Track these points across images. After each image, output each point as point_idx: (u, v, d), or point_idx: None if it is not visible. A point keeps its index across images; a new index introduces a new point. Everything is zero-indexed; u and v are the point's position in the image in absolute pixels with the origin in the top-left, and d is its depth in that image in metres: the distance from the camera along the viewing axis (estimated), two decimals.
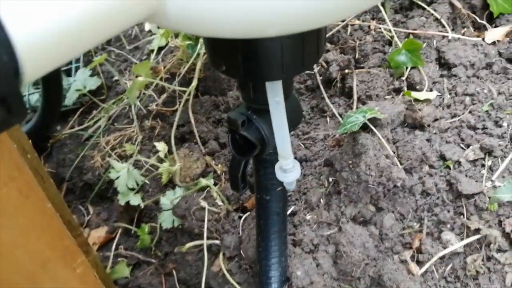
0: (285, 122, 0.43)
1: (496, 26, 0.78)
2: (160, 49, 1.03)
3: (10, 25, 0.18)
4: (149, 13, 0.25)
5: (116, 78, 1.04)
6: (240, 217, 0.72)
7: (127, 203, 0.83)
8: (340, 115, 0.77)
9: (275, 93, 0.41)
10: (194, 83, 0.84)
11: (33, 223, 0.38)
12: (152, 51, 1.02)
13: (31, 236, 0.38)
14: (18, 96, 0.20)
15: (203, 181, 0.73)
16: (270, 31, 0.28)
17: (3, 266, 0.36)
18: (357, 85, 0.76)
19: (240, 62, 0.36)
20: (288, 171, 0.48)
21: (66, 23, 0.21)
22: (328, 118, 0.79)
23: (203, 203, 0.72)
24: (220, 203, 0.73)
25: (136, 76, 0.86)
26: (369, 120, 0.65)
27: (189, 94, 0.86)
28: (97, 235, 0.91)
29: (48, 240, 0.40)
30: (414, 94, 0.69)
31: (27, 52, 0.19)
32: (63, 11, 0.20)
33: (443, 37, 0.78)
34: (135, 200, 0.82)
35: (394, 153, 0.66)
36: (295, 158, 0.71)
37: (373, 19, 0.86)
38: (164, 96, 0.92)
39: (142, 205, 0.83)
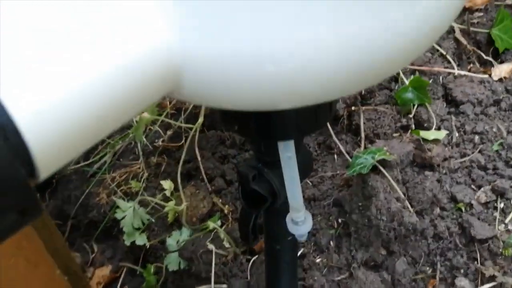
0: (296, 175, 0.43)
1: (502, 62, 0.78)
2: None
3: (29, 136, 0.17)
4: (165, 94, 0.25)
5: None
6: (248, 260, 0.71)
7: (132, 242, 0.82)
8: (348, 153, 0.76)
9: (287, 149, 0.40)
10: (200, 119, 0.84)
11: None
12: None
13: None
14: (33, 199, 0.20)
15: (211, 225, 0.72)
16: (284, 106, 0.28)
17: None
18: (364, 123, 0.76)
19: (253, 125, 0.35)
20: (299, 223, 0.47)
21: (82, 119, 0.20)
22: (335, 156, 0.78)
23: (210, 246, 0.71)
24: (227, 245, 0.72)
25: (142, 112, 0.86)
26: (378, 161, 0.65)
27: (195, 131, 0.85)
28: (102, 274, 0.90)
29: None
30: (423, 134, 0.69)
31: (42, 157, 0.19)
32: (78, 106, 0.20)
33: (449, 73, 0.78)
34: (141, 240, 0.81)
35: (404, 195, 0.65)
36: (304, 197, 0.71)
37: None
38: (170, 132, 0.92)
39: (147, 245, 0.81)
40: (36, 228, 0.38)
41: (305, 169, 0.49)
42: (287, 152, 0.41)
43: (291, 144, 0.40)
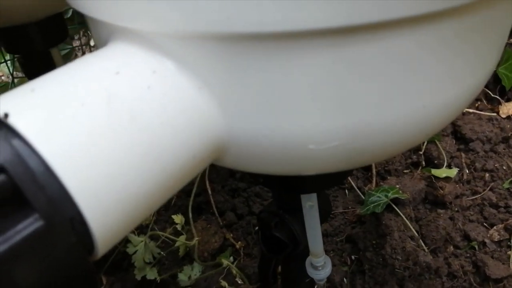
0: (318, 222, 0.44)
1: (508, 100, 0.79)
2: None
3: (96, 228, 0.18)
4: (210, 163, 0.26)
5: None
6: None
7: (143, 276, 0.81)
8: (359, 189, 0.77)
9: (309, 199, 0.41)
10: None
11: None
12: None
13: None
14: (92, 278, 0.20)
15: (224, 261, 0.72)
16: (315, 173, 0.29)
17: None
18: None
19: (278, 180, 0.36)
20: (319, 268, 0.47)
21: (140, 198, 0.21)
22: (346, 191, 0.79)
23: (224, 283, 0.70)
24: (240, 281, 0.72)
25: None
26: (391, 199, 0.65)
27: None
28: None
29: None
30: (434, 172, 0.70)
31: (103, 237, 0.20)
32: (138, 185, 0.21)
33: None
34: (152, 274, 0.81)
35: (418, 233, 0.65)
36: None
37: None
38: None
39: (158, 279, 0.81)
40: None
41: (325, 214, 0.49)
42: (309, 201, 0.42)
43: (313, 195, 0.41)
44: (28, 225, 0.16)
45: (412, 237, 0.64)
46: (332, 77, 0.21)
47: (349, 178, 0.79)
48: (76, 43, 0.98)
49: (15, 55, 0.63)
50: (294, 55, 0.20)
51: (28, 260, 0.16)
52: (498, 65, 0.81)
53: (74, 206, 0.17)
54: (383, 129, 0.23)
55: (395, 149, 0.26)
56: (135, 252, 0.80)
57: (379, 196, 0.65)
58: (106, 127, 0.19)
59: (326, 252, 0.72)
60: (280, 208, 0.46)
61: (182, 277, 0.76)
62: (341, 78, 0.21)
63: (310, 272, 0.48)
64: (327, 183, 0.37)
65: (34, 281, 0.16)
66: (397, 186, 0.67)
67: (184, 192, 0.90)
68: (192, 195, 0.85)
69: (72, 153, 0.18)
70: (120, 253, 0.90)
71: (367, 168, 0.79)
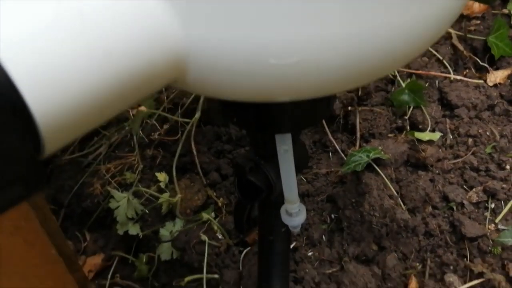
0: (292, 168, 0.44)
1: (497, 68, 0.79)
2: None
3: (34, 108, 0.18)
4: (170, 83, 0.25)
5: None
6: (240, 252, 0.71)
7: (125, 232, 0.82)
8: (343, 151, 0.77)
9: (283, 142, 0.41)
10: (197, 114, 0.84)
11: (37, 270, 0.38)
12: None
13: (34, 283, 0.37)
14: (39, 174, 0.20)
15: (204, 215, 0.73)
16: (283, 98, 0.29)
17: None
18: (360, 123, 0.77)
19: (252, 117, 0.36)
20: (294, 214, 0.48)
21: (88, 97, 0.21)
22: (330, 154, 0.79)
23: (204, 237, 0.71)
24: (220, 236, 0.72)
25: (139, 106, 0.86)
26: (372, 159, 0.66)
27: (192, 125, 0.86)
28: (93, 262, 0.90)
29: (51, 286, 0.40)
30: (418, 135, 0.70)
31: (50, 131, 0.19)
32: (86, 84, 0.20)
33: (445, 77, 0.79)
34: (134, 229, 0.81)
35: (397, 193, 0.66)
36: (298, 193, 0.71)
37: None
38: (166, 126, 0.92)
39: (140, 235, 0.82)
40: (33, 209, 0.38)
41: (301, 163, 0.49)
42: (283, 145, 0.42)
43: (288, 137, 0.41)
44: None
45: (391, 196, 0.64)
46: None
47: (333, 141, 0.79)
48: None
49: None
50: None
51: None
52: (488, 34, 0.80)
53: (15, 90, 0.17)
54: (347, 42, 0.23)
55: (360, 72, 0.26)
56: (117, 208, 0.80)
57: (360, 156, 0.65)
58: (54, 20, 0.19)
59: (307, 211, 0.73)
60: (256, 154, 0.46)
61: (164, 232, 0.77)
62: None
63: (285, 218, 0.48)
64: (301, 122, 0.37)
65: None
66: (380, 147, 0.68)
67: (170, 153, 0.90)
68: (177, 154, 0.85)
69: (17, 42, 0.18)
70: (103, 210, 0.90)
71: (351, 132, 0.79)
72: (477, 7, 0.86)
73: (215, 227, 0.73)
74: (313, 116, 0.37)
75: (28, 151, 0.18)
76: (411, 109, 0.76)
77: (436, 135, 0.70)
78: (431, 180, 0.68)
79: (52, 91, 0.19)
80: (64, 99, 0.19)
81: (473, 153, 0.69)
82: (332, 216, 0.70)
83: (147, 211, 0.83)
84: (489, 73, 0.78)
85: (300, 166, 0.50)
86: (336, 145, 0.78)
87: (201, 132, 0.89)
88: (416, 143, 0.70)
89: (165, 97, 0.93)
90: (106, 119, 0.23)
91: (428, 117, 0.74)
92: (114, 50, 0.21)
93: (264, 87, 0.26)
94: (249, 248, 0.71)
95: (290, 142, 0.41)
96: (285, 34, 0.22)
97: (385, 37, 0.24)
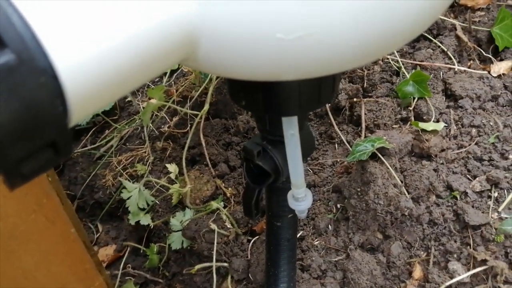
0: (299, 153, 0.45)
1: (501, 60, 0.80)
2: (172, 72, 1.06)
3: (64, 74, 0.20)
4: (183, 59, 0.27)
5: (129, 99, 1.07)
6: (249, 241, 0.73)
7: (137, 222, 0.84)
8: (348, 142, 0.79)
9: (290, 126, 0.43)
10: (206, 107, 0.86)
11: (57, 248, 0.40)
12: (165, 74, 1.05)
13: (54, 260, 0.40)
14: (67, 139, 0.22)
15: (214, 204, 0.74)
16: (290, 76, 0.30)
17: None
18: (365, 114, 0.78)
19: (260, 99, 0.38)
20: (300, 199, 0.49)
21: (112, 68, 0.22)
22: (336, 145, 0.81)
23: (213, 226, 0.73)
24: (229, 226, 0.74)
25: (149, 99, 0.89)
26: (377, 149, 0.67)
27: (200, 118, 0.88)
28: (106, 253, 0.92)
29: (70, 264, 0.42)
30: (422, 125, 0.71)
31: (77, 98, 0.21)
32: (108, 62, 0.22)
33: (450, 69, 0.80)
34: (145, 220, 0.84)
35: (402, 182, 0.67)
36: None
37: None
38: (176, 118, 0.94)
39: (151, 225, 0.84)
40: (54, 188, 0.40)
41: (307, 148, 0.51)
42: (290, 129, 0.43)
43: (294, 121, 0.43)
44: (0, 56, 0.17)
45: (395, 185, 0.66)
46: None
47: (339, 132, 0.81)
48: None
49: None
50: None
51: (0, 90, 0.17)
52: (493, 25, 0.81)
53: (46, 58, 0.19)
54: (348, 24, 0.24)
55: (368, 46, 0.27)
56: (129, 198, 0.82)
57: (365, 146, 0.67)
58: None
59: (314, 201, 0.75)
60: (264, 139, 0.48)
61: (174, 222, 0.79)
62: None
63: (291, 203, 0.50)
64: (307, 105, 0.39)
65: (4, 113, 0.18)
66: (384, 137, 0.69)
67: (179, 145, 0.93)
68: (186, 146, 0.87)
69: (48, 10, 0.19)
70: (115, 201, 0.93)
71: (357, 123, 0.80)
72: None
73: (224, 217, 0.74)
74: (318, 99, 0.39)
75: (59, 116, 0.20)
76: (415, 100, 0.77)
77: (440, 126, 0.72)
78: (435, 170, 0.69)
79: (79, 59, 0.21)
80: (90, 66, 0.21)
81: (476, 143, 0.70)
82: (338, 205, 0.71)
83: (157, 201, 0.86)
84: (493, 64, 0.79)
85: (307, 151, 0.51)
86: (342, 136, 0.80)
87: (209, 124, 0.91)
88: (420, 133, 0.71)
89: (175, 90, 0.95)
90: (126, 91, 0.25)
91: (432, 108, 0.75)
92: (134, 22, 0.22)
93: (271, 63, 0.28)
94: (257, 237, 0.73)
95: (296, 126, 0.42)
96: (294, 8, 0.24)
97: (395, 8, 0.26)
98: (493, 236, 0.62)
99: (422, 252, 0.65)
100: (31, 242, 0.36)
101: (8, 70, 0.17)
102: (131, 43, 0.23)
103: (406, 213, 0.64)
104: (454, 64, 0.81)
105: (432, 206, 0.66)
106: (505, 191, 0.65)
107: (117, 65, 0.23)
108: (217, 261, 0.71)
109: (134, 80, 0.25)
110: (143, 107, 0.98)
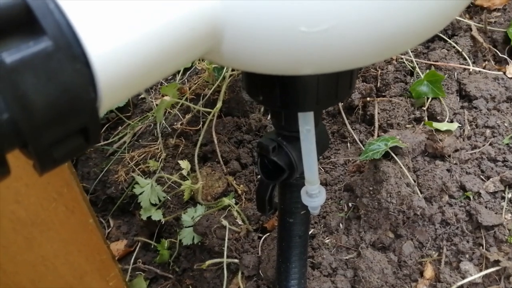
0: (314, 149, 0.45)
1: None
2: (185, 70, 1.07)
3: (96, 62, 0.20)
4: (206, 52, 0.28)
5: (142, 96, 1.08)
6: (259, 237, 0.73)
7: (148, 218, 0.85)
8: (361, 142, 0.79)
9: (306, 122, 0.43)
10: (219, 105, 0.87)
11: (75, 237, 0.40)
12: (178, 72, 1.06)
13: (72, 249, 0.40)
14: (97, 126, 0.22)
15: (225, 201, 0.75)
16: (308, 71, 0.31)
17: (44, 276, 0.38)
18: (378, 113, 0.78)
19: (277, 93, 0.38)
20: (314, 196, 0.50)
21: (141, 58, 0.23)
22: (348, 144, 0.81)
23: (224, 222, 0.74)
24: (240, 222, 0.75)
25: (163, 96, 0.89)
26: (390, 148, 0.67)
27: (213, 116, 0.88)
28: (117, 248, 0.93)
29: (87, 254, 0.42)
30: (435, 125, 0.71)
31: (107, 85, 0.22)
32: (142, 44, 0.23)
33: (464, 69, 0.80)
34: (157, 215, 0.84)
35: (414, 181, 0.67)
36: None
37: None
38: (188, 116, 0.95)
39: (163, 221, 0.85)
40: (74, 178, 0.41)
41: (322, 145, 0.51)
42: (306, 125, 0.44)
43: (310, 117, 0.43)
44: (38, 43, 0.18)
45: (408, 184, 0.66)
46: None
47: (351, 131, 0.81)
48: None
49: None
50: None
51: (35, 75, 0.18)
52: (509, 25, 0.81)
53: (80, 45, 0.20)
54: (367, 21, 0.25)
55: (388, 41, 0.28)
56: (141, 193, 0.83)
57: (378, 145, 0.67)
58: None
59: (325, 200, 0.75)
60: (279, 135, 0.48)
61: (186, 217, 0.79)
62: None
63: (305, 199, 0.50)
64: (323, 100, 0.39)
65: (41, 96, 0.18)
66: (398, 137, 0.69)
67: (192, 142, 0.93)
68: (198, 143, 0.87)
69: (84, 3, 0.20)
70: (127, 197, 0.94)
71: (370, 122, 0.80)
72: None
73: (235, 213, 0.75)
74: (336, 94, 0.39)
75: (91, 103, 0.20)
76: (429, 100, 0.77)
77: (454, 126, 0.71)
78: (448, 170, 0.69)
79: (111, 47, 0.21)
80: (121, 55, 0.22)
81: (490, 144, 0.70)
82: (350, 204, 0.71)
83: (169, 197, 0.86)
84: (508, 65, 0.78)
85: (321, 148, 0.52)
86: (355, 136, 0.80)
87: (221, 122, 0.92)
88: (434, 133, 0.71)
89: (188, 88, 0.96)
90: (152, 81, 0.25)
91: (446, 108, 0.75)
92: (163, 13, 0.23)
93: (295, 56, 0.28)
94: (268, 234, 0.74)
95: (312, 122, 0.43)
96: (319, 2, 0.24)
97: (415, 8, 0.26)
98: (506, 237, 0.61)
99: (433, 252, 0.65)
100: (51, 230, 0.37)
101: (46, 56, 0.18)
102: (160, 34, 0.23)
103: (419, 213, 0.64)
104: (469, 65, 0.80)
105: (444, 206, 0.66)
106: None
107: (146, 55, 0.23)
108: (228, 257, 0.72)
109: (161, 70, 0.25)
110: (156, 104, 0.99)
